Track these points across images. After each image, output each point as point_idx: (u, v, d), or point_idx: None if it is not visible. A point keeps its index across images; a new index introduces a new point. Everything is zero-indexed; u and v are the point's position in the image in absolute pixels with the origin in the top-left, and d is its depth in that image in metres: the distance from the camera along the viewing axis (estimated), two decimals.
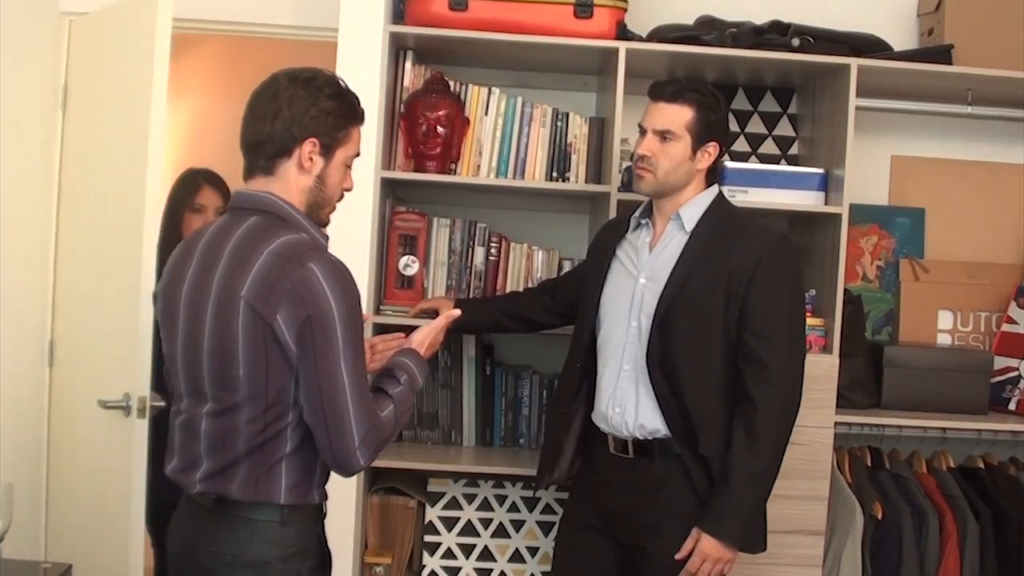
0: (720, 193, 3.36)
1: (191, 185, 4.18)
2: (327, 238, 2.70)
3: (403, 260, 4.06)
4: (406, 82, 4.12)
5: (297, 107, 2.60)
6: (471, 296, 4.16)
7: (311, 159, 2.63)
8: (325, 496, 2.74)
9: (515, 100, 4.15)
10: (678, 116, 3.24)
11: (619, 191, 3.97)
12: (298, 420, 2.57)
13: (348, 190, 2.78)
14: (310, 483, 2.65)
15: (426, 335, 2.95)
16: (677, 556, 3.16)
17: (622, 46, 3.93)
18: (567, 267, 4.21)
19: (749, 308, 3.16)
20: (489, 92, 4.15)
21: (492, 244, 4.20)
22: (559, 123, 4.15)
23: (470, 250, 4.19)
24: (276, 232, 2.57)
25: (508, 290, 4.17)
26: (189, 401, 2.67)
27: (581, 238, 4.46)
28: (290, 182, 2.64)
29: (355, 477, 3.74)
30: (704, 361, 3.20)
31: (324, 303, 2.47)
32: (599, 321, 3.39)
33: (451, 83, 4.11)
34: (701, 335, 3.20)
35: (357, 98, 2.74)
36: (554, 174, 4.15)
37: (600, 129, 4.16)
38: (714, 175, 3.36)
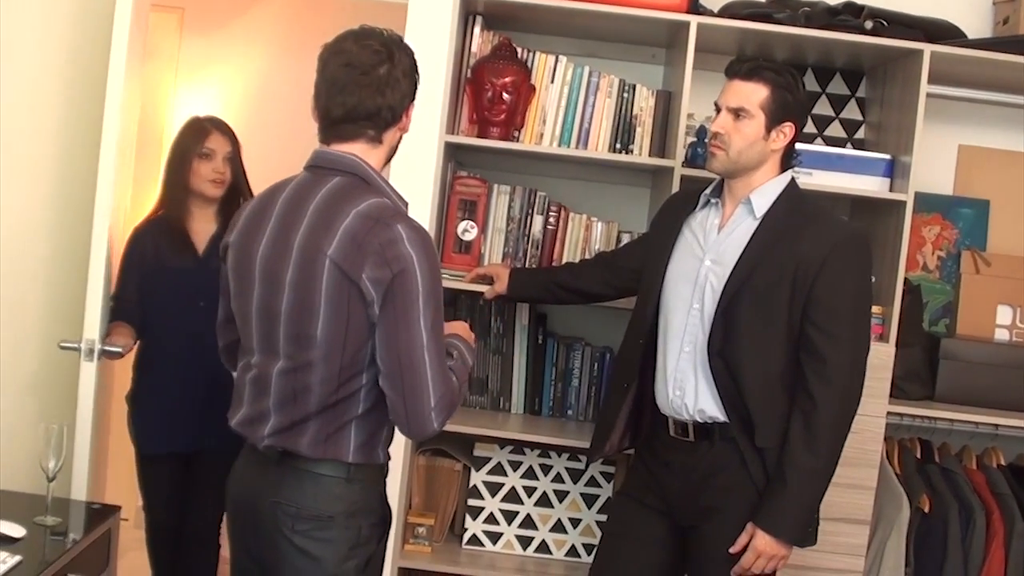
0: (793, 180, 3.32)
1: (198, 132, 4.08)
2: (407, 204, 2.74)
3: (462, 225, 4.10)
4: (474, 47, 4.14)
5: (407, 77, 2.70)
6: (527, 265, 4.19)
7: (408, 118, 2.77)
8: (389, 456, 2.80)
9: (582, 69, 4.14)
10: (753, 94, 3.21)
11: (683, 166, 3.95)
12: (371, 383, 2.63)
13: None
14: (376, 442, 2.72)
15: (459, 327, 2.96)
16: (732, 550, 3.16)
17: (693, 20, 3.91)
18: (625, 240, 4.21)
19: (814, 301, 3.12)
20: (556, 60, 4.15)
21: (551, 213, 4.21)
22: (625, 94, 4.15)
23: (528, 218, 4.21)
24: (362, 194, 2.63)
25: (564, 260, 4.19)
26: (261, 357, 2.72)
27: (641, 211, 4.46)
28: (387, 146, 2.75)
29: (403, 437, 3.79)
30: (766, 352, 3.17)
31: (409, 264, 2.53)
32: (663, 299, 3.37)
33: (518, 50, 4.13)
34: (764, 326, 3.17)
35: None
36: (617, 146, 4.15)
37: (666, 102, 4.15)
38: (789, 159, 3.32)
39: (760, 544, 3.12)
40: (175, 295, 3.96)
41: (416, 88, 2.76)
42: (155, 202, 4.13)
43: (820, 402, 3.09)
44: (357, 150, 2.69)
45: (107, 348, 3.68)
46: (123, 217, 3.94)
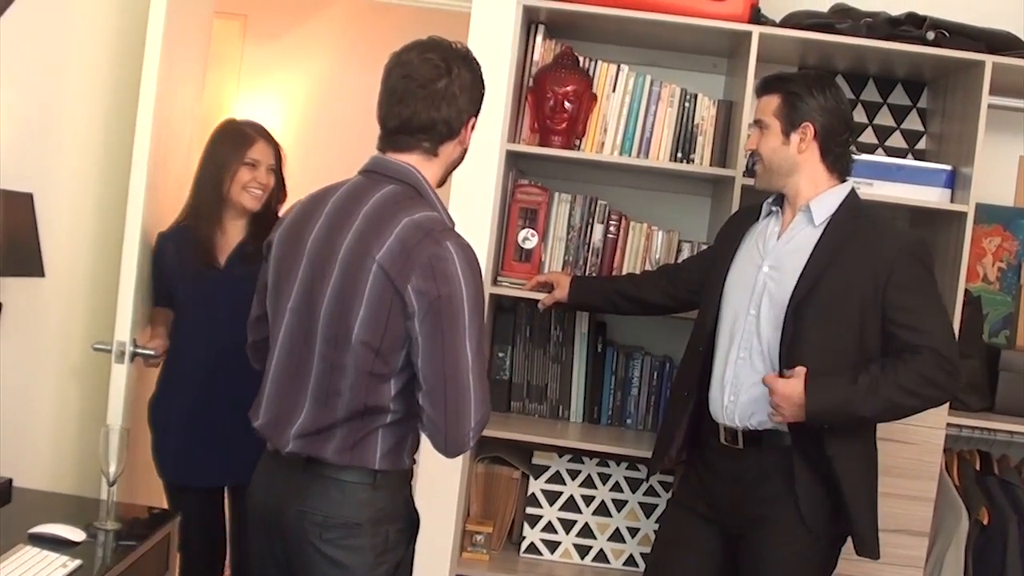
0: (853, 191, 3.34)
1: (242, 139, 3.86)
2: (454, 223, 2.75)
3: (522, 233, 4.14)
4: (536, 56, 4.19)
5: (467, 91, 2.72)
6: (587, 274, 4.22)
7: (469, 133, 2.80)
8: (415, 462, 2.83)
9: (643, 78, 4.19)
10: (767, 105, 3.32)
11: (744, 176, 3.99)
12: (399, 393, 2.66)
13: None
14: (402, 450, 2.73)
15: None
16: (764, 378, 3.19)
17: (755, 30, 3.95)
18: (686, 249, 4.26)
19: (889, 304, 3.15)
20: (618, 69, 4.20)
21: (612, 222, 4.24)
22: (687, 104, 4.20)
23: (589, 227, 4.24)
24: (415, 204, 2.66)
25: (625, 270, 4.24)
26: (292, 357, 2.74)
27: (702, 221, 4.51)
28: (444, 160, 2.77)
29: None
30: (833, 361, 3.17)
31: (456, 283, 2.55)
32: (722, 307, 3.41)
33: (580, 59, 4.17)
34: (831, 334, 3.18)
35: None
36: (679, 155, 4.20)
37: (728, 112, 4.19)
38: (840, 167, 3.34)
39: (786, 386, 3.12)
40: (194, 304, 3.86)
41: (479, 103, 2.79)
42: (183, 211, 3.95)
43: (920, 357, 3.08)
44: (413, 161, 2.72)
45: (139, 351, 3.72)
46: (173, 218, 3.98)
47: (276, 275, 2.79)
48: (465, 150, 2.84)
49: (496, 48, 3.93)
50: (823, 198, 3.30)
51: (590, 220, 4.24)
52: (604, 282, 4.04)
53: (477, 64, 2.78)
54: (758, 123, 3.35)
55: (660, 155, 4.19)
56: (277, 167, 3.93)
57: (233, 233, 3.91)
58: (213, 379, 3.80)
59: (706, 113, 4.20)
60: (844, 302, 3.17)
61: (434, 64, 2.69)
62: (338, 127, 5.84)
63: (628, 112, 4.19)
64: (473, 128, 2.82)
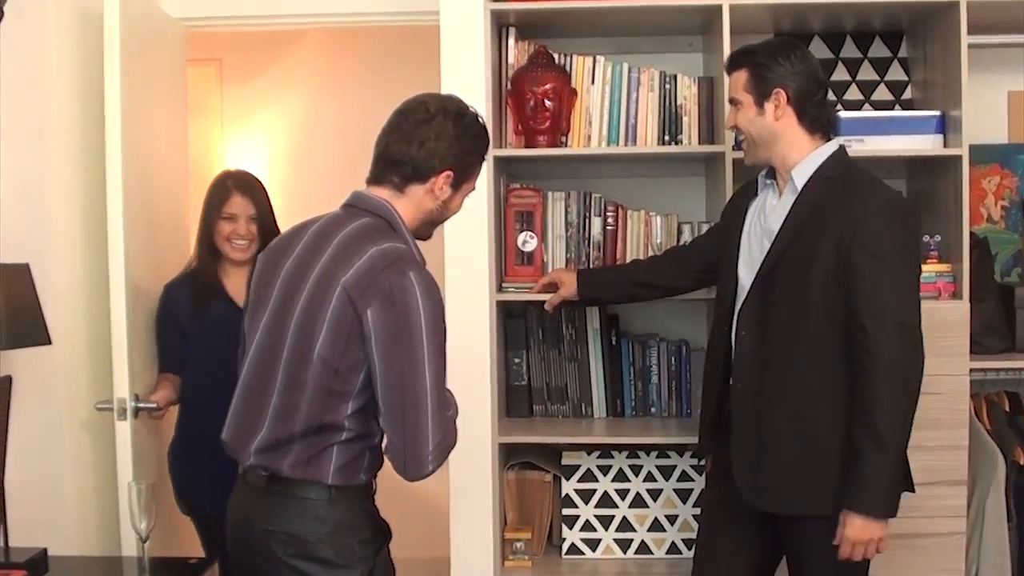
0: (840, 149, 3.35)
1: (220, 193, 4.04)
2: (424, 261, 2.89)
3: (521, 236, 4.17)
4: (510, 59, 4.22)
5: (444, 141, 2.88)
6: (591, 267, 4.25)
7: (443, 188, 2.93)
8: (374, 475, 2.96)
9: (621, 67, 4.23)
10: (736, 81, 3.38)
11: (733, 150, 3.99)
12: (356, 413, 2.82)
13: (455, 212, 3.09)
14: (358, 468, 2.88)
15: None
16: (836, 543, 3.18)
17: (725, 3, 3.97)
18: (687, 231, 4.28)
19: (852, 270, 3.14)
20: (594, 61, 4.23)
21: (609, 213, 4.27)
22: (667, 86, 4.23)
23: (587, 221, 4.27)
24: (385, 236, 2.85)
25: (628, 259, 4.27)
26: (259, 373, 2.90)
27: (699, 200, 4.54)
28: (413, 201, 2.94)
29: (488, 453, 3.91)
30: (800, 340, 3.22)
31: (414, 313, 2.71)
32: (738, 285, 3.43)
33: (555, 55, 4.20)
34: (799, 294, 3.21)
35: (488, 134, 3.05)
36: (666, 138, 4.23)
37: (710, 89, 4.22)
38: (821, 126, 3.34)
39: (852, 530, 3.13)
40: (215, 343, 3.85)
41: (461, 162, 2.93)
42: (190, 261, 4.13)
43: (869, 373, 3.10)
44: (385, 195, 2.92)
45: (141, 405, 3.80)
46: (166, 270, 4.09)
47: (254, 295, 3.00)
48: (444, 205, 2.98)
49: (469, 55, 3.96)
50: (804, 162, 3.31)
51: (587, 214, 4.27)
52: (613, 272, 4.08)
53: (473, 128, 2.96)
54: (732, 101, 3.40)
55: (648, 140, 4.22)
56: (260, 216, 4.04)
57: (237, 279, 4.05)
58: None
59: (688, 92, 4.23)
60: (808, 273, 3.20)
61: (425, 107, 2.91)
62: (321, 159, 5.91)
63: (610, 102, 4.22)
64: (456, 188, 2.96)
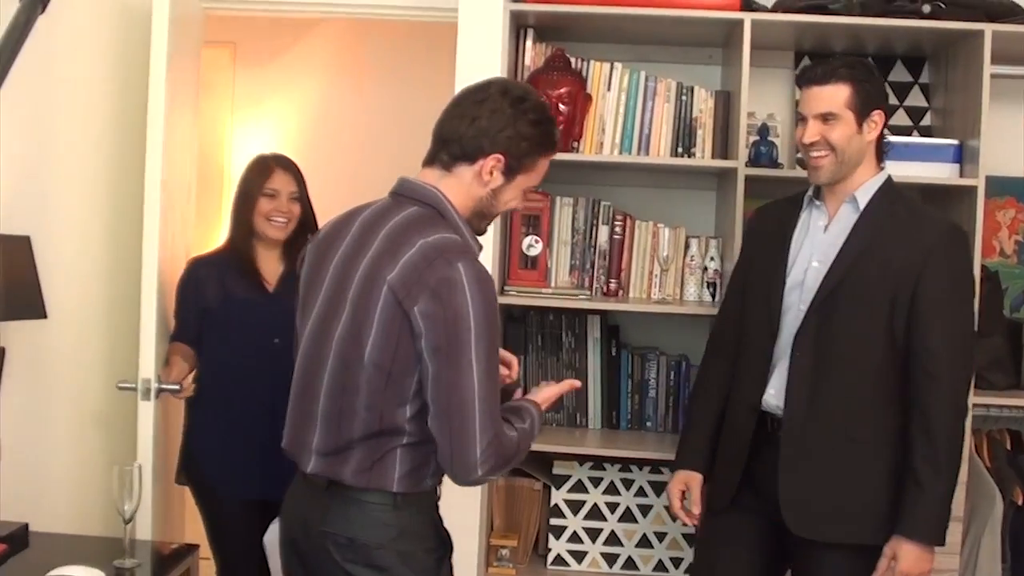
0: (890, 177, 3.38)
1: (262, 170, 4.06)
2: (481, 247, 2.80)
3: (526, 240, 4.18)
4: (527, 60, 4.23)
5: (497, 121, 2.72)
6: (595, 276, 4.33)
7: (491, 174, 2.75)
8: (440, 481, 2.84)
9: (638, 75, 4.24)
10: (835, 96, 3.27)
11: (747, 166, 4.03)
12: (416, 415, 2.67)
13: (515, 209, 3.01)
14: (424, 473, 2.75)
15: (551, 395, 3.00)
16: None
17: (747, 17, 3.99)
18: (694, 245, 4.30)
19: (921, 296, 3.18)
20: (611, 68, 4.25)
21: (616, 222, 4.31)
22: (683, 97, 4.24)
23: (594, 229, 4.31)
24: (434, 226, 2.69)
25: (634, 269, 4.32)
26: (307, 377, 2.80)
27: (708, 215, 4.54)
28: (463, 185, 2.76)
29: None
30: (863, 349, 3.24)
31: (463, 305, 2.56)
32: (784, 308, 3.38)
33: (572, 60, 4.21)
34: (863, 320, 3.23)
35: (555, 126, 2.86)
36: (679, 150, 4.25)
37: (726, 103, 4.23)
38: (881, 151, 3.38)
39: (907, 561, 3.16)
40: (244, 327, 3.97)
41: (514, 148, 2.74)
42: (224, 240, 4.15)
43: (931, 401, 3.15)
44: (433, 179, 2.77)
45: (164, 387, 3.80)
46: (181, 254, 4.07)
47: (303, 292, 2.88)
48: (494, 195, 2.79)
49: (486, 55, 3.97)
50: (867, 186, 3.33)
51: (594, 222, 4.31)
52: (705, 430, 3.66)
53: (533, 114, 2.77)
54: (824, 116, 3.28)
55: (660, 151, 4.23)
56: (301, 196, 4.08)
57: (270, 263, 4.10)
58: (260, 406, 3.83)
59: (704, 105, 4.24)
60: (877, 292, 3.22)
61: (486, 87, 2.79)
62: (333, 149, 5.90)
63: (625, 110, 4.24)
64: (508, 177, 2.77)
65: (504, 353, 2.99)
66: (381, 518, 2.70)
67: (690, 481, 3.61)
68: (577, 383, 3.10)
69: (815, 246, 3.36)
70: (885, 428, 3.23)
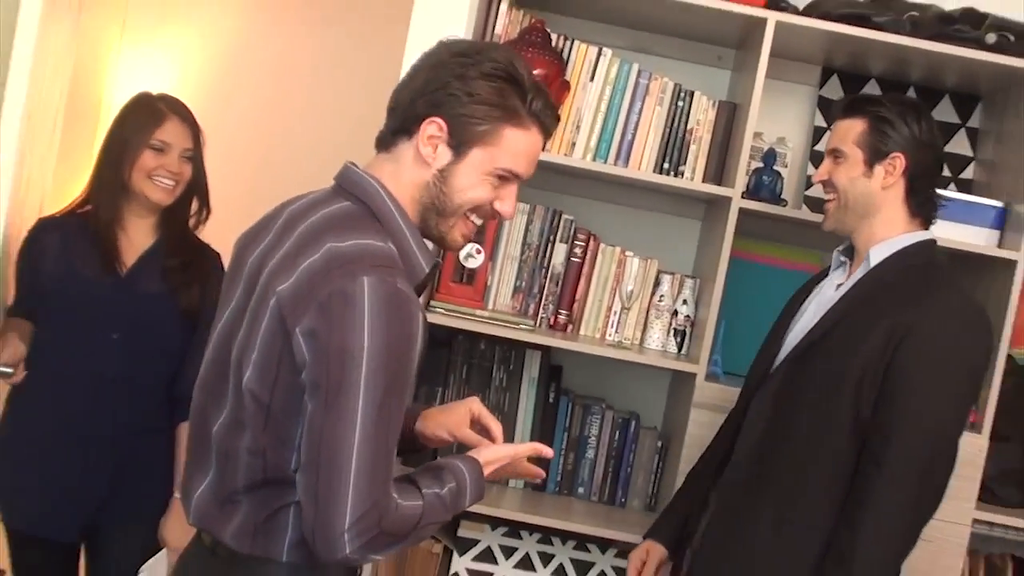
0: (930, 241, 3.10)
1: (152, 115, 3.48)
2: (434, 260, 2.39)
3: (465, 249, 3.75)
4: (498, 28, 3.88)
5: (437, 76, 2.31)
6: (543, 302, 4.00)
7: (432, 145, 2.31)
8: None
9: (629, 67, 3.90)
10: (847, 131, 3.11)
11: (743, 197, 3.75)
12: None
13: (502, 215, 2.46)
14: None
15: (502, 456, 2.54)
16: None
17: (771, 16, 3.68)
18: (666, 282, 4.02)
19: (894, 368, 2.86)
20: (599, 53, 3.90)
21: (577, 242, 4.01)
22: (680, 103, 3.93)
23: (550, 246, 4.01)
24: (358, 229, 2.27)
25: (589, 302, 4.00)
26: (207, 403, 2.41)
27: (688, 249, 4.29)
28: (403, 169, 2.35)
29: None
30: (822, 422, 2.96)
31: (355, 331, 2.13)
32: (773, 366, 3.19)
33: (553, 36, 3.89)
34: (826, 389, 2.95)
35: (537, 94, 2.37)
36: (665, 166, 3.92)
37: (730, 116, 3.92)
38: (925, 212, 3.10)
39: None
40: (76, 316, 3.44)
41: (460, 107, 2.29)
42: (80, 195, 3.56)
43: (868, 493, 2.86)
44: (377, 163, 2.40)
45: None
46: (35, 204, 3.73)
47: (221, 298, 2.51)
48: (442, 178, 2.33)
49: (449, 17, 3.62)
50: (887, 243, 3.06)
51: (551, 238, 4.01)
52: (690, 505, 3.47)
53: (485, 61, 2.31)
54: (835, 152, 3.12)
55: (642, 164, 3.91)
56: (195, 157, 3.55)
57: (137, 235, 3.53)
58: (88, 412, 3.41)
59: (703, 116, 3.93)
60: (850, 360, 2.92)
61: (439, 45, 2.40)
62: (245, 101, 5.44)
63: (607, 108, 3.89)
64: (457, 151, 2.30)
65: (486, 417, 2.63)
66: None
67: (652, 553, 3.40)
68: (547, 450, 2.62)
69: (820, 305, 3.16)
70: (825, 520, 2.93)
